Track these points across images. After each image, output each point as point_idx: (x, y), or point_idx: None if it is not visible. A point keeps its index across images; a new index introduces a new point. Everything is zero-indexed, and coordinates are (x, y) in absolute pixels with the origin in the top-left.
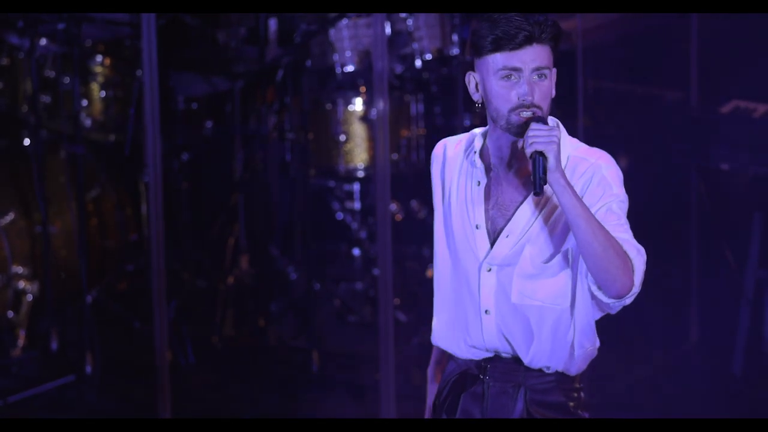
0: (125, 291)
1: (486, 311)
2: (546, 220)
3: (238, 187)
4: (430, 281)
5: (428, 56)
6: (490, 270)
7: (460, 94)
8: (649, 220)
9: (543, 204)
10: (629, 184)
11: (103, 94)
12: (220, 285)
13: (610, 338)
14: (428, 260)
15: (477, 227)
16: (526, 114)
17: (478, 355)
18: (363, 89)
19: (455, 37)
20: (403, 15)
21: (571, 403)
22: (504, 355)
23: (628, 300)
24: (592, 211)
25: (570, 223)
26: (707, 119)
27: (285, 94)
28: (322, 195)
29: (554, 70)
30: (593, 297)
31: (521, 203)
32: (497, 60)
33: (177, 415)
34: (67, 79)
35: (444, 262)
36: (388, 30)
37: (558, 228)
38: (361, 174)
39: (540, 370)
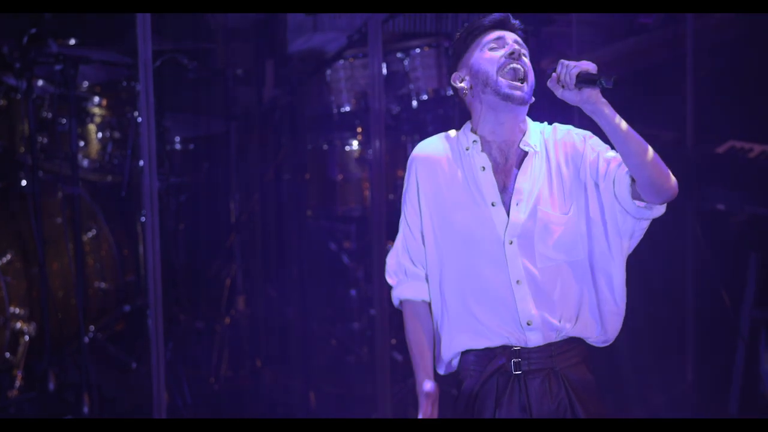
0: (122, 332)
1: (517, 281)
2: (550, 176)
3: (234, 227)
4: None
5: (424, 96)
6: (512, 243)
7: None
8: (644, 259)
9: (539, 165)
10: None
11: (99, 135)
12: (217, 326)
13: (605, 380)
14: None
15: (493, 204)
16: (514, 66)
17: (512, 336)
18: (359, 129)
19: None
20: (399, 55)
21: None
22: (537, 330)
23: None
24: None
25: (615, 137)
26: (703, 159)
27: (282, 134)
28: (319, 235)
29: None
30: (636, 217)
31: (518, 172)
32: (485, 38)
33: None
34: (64, 120)
35: (449, 257)
36: (384, 70)
37: (567, 180)
38: (357, 214)
39: (569, 342)
